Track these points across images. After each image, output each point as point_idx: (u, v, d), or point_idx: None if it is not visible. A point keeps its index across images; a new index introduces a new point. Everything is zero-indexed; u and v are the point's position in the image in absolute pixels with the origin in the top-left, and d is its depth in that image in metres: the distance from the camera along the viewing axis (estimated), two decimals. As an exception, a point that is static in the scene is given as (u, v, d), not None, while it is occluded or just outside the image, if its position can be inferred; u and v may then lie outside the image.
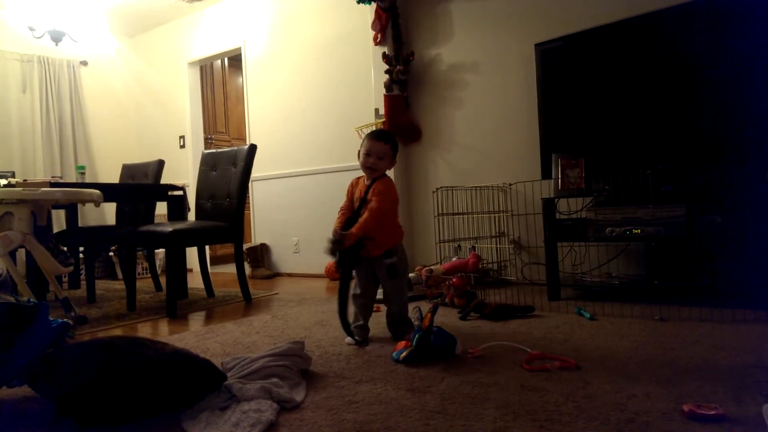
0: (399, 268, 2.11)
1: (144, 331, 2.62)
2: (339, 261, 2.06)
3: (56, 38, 4.87)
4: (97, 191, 2.66)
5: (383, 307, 2.78)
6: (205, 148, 5.36)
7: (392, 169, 3.93)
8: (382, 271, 2.09)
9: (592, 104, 2.92)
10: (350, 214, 2.11)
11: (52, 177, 4.83)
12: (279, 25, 4.77)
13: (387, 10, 3.82)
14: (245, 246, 4.58)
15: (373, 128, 3.93)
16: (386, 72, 3.82)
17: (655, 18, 2.72)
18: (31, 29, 4.80)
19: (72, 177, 5.15)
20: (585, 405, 1.31)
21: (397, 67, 3.78)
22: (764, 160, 2.31)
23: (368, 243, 2.02)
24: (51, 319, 1.62)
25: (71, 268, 2.64)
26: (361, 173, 2.17)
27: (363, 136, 3.96)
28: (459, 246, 3.43)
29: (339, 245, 1.96)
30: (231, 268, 3.92)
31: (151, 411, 1.36)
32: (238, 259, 3.28)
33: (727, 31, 2.52)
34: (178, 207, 3.55)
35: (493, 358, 1.77)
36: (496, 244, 3.51)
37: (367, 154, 2.07)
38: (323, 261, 4.22)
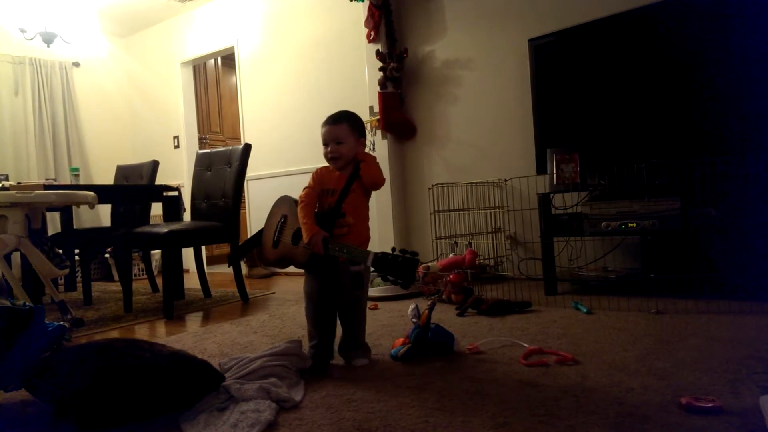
0: (365, 277, 1.78)
1: (141, 332, 2.61)
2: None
3: (48, 40, 4.84)
4: (92, 193, 2.65)
5: (380, 305, 2.80)
6: (200, 148, 5.34)
7: (387, 165, 3.99)
8: (346, 279, 1.74)
9: (586, 99, 2.92)
10: (318, 207, 1.77)
11: (46, 179, 4.81)
12: (272, 24, 4.75)
13: (380, 8, 3.81)
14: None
15: (368, 126, 3.93)
16: (380, 69, 3.81)
17: (648, 12, 2.72)
18: (22, 31, 4.77)
19: (66, 179, 5.12)
20: (583, 399, 1.32)
21: (391, 64, 3.78)
22: (758, 153, 2.32)
23: (342, 240, 1.71)
24: (47, 322, 1.62)
25: (67, 270, 2.63)
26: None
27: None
28: (455, 242, 3.43)
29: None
30: (227, 268, 3.91)
31: (150, 413, 1.35)
32: (236, 259, 3.27)
33: (720, 25, 2.52)
34: (173, 208, 3.54)
35: (491, 353, 1.77)
36: (493, 240, 3.52)
37: (325, 144, 1.78)
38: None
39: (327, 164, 1.82)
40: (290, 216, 1.84)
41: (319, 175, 1.81)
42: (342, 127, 1.77)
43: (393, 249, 1.56)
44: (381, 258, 1.57)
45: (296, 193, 1.83)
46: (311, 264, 1.74)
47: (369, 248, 1.70)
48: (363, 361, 1.77)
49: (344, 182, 1.75)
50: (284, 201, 1.92)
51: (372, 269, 1.64)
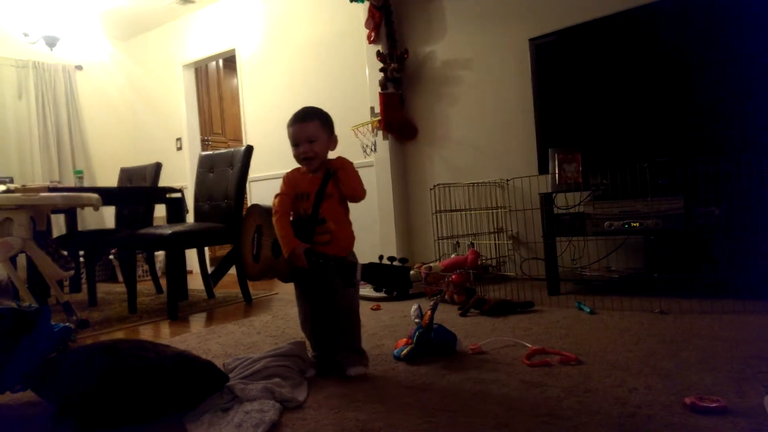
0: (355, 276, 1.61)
1: (145, 333, 2.62)
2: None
3: (51, 43, 4.86)
4: (96, 195, 2.66)
5: (383, 305, 2.80)
6: (202, 150, 5.35)
7: (388, 166, 4.00)
8: (336, 280, 1.59)
9: (588, 98, 2.91)
10: (293, 214, 1.65)
11: (51, 182, 4.82)
12: (272, 26, 4.76)
13: (380, 9, 3.81)
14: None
15: (370, 127, 3.93)
16: (381, 70, 3.81)
17: (650, 10, 2.71)
18: (26, 35, 4.79)
19: (70, 181, 5.13)
20: (586, 399, 1.32)
21: (392, 64, 3.78)
22: (762, 151, 2.31)
23: (325, 248, 1.58)
24: (53, 323, 1.62)
25: (72, 272, 2.65)
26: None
27: (360, 135, 4.00)
28: (457, 243, 3.43)
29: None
30: (230, 269, 3.92)
31: (154, 414, 1.36)
32: (237, 259, 3.28)
33: (722, 23, 2.52)
34: (176, 209, 3.55)
35: (494, 354, 1.77)
36: (495, 240, 3.52)
37: (296, 145, 1.65)
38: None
39: (297, 166, 1.71)
40: (265, 226, 1.72)
41: (290, 178, 1.69)
42: (314, 124, 1.64)
43: (380, 257, 1.46)
44: (370, 268, 1.43)
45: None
46: (297, 278, 1.63)
47: (368, 250, 1.70)
48: (359, 369, 1.64)
49: (318, 184, 1.62)
50: (255, 210, 1.80)
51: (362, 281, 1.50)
